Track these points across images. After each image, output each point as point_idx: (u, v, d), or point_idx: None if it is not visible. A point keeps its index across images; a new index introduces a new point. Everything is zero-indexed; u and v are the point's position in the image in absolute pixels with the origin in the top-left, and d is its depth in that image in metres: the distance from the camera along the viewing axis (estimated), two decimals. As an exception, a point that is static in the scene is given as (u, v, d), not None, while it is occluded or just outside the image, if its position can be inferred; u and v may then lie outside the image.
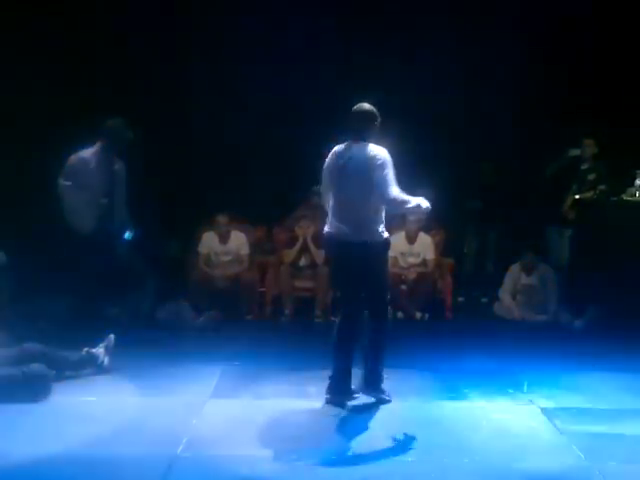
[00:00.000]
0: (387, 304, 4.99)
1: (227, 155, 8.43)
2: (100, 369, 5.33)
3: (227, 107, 8.31)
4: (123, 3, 8.11)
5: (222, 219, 7.70)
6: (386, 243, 4.79)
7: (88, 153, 5.92)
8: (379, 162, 4.61)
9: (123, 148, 6.04)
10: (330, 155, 4.83)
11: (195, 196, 8.52)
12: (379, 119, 4.77)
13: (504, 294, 7.73)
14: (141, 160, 7.47)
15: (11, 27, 7.81)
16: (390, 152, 4.67)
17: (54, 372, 4.96)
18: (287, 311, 7.64)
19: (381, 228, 4.72)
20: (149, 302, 7.48)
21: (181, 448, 3.98)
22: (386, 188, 4.57)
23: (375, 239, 4.69)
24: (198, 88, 8.45)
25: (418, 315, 7.61)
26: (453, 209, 8.49)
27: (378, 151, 4.66)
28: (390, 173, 4.60)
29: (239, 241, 7.80)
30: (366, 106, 4.77)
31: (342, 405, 4.65)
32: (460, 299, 8.17)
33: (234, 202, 8.11)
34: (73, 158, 5.93)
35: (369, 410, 4.53)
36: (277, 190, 8.35)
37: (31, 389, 4.68)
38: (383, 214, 4.72)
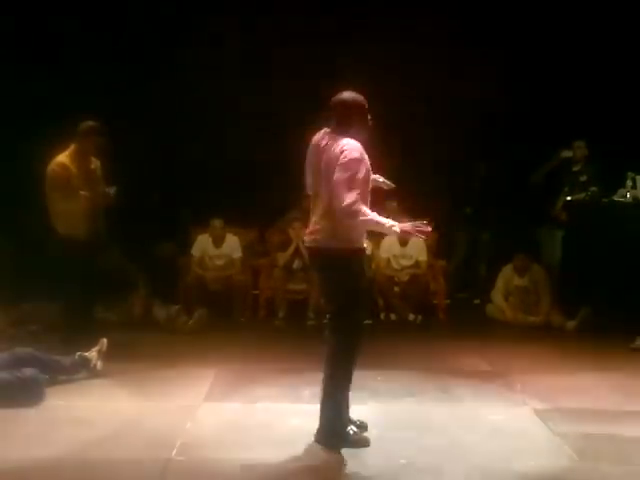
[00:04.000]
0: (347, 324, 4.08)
1: (220, 157, 8.44)
2: (93, 373, 5.31)
3: (221, 110, 8.32)
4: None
5: (217, 223, 7.74)
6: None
7: (66, 158, 5.88)
8: (342, 161, 3.90)
9: (98, 154, 6.03)
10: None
11: (188, 198, 8.55)
12: (364, 110, 4.09)
13: (496, 295, 7.75)
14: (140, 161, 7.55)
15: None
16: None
17: (47, 376, 4.94)
18: (280, 314, 7.64)
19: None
20: (142, 304, 7.49)
21: (175, 451, 3.97)
22: (338, 194, 3.86)
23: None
24: (194, 92, 8.46)
25: (411, 317, 7.62)
26: (445, 212, 8.52)
27: (349, 147, 3.94)
28: (349, 176, 3.85)
29: (232, 245, 7.84)
30: (347, 94, 4.09)
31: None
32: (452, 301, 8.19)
33: (227, 204, 8.13)
34: (53, 166, 5.87)
35: (362, 412, 4.52)
36: (269, 193, 8.36)
37: (24, 394, 4.66)
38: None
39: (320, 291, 4.24)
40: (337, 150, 3.95)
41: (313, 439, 4.09)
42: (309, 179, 4.22)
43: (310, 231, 4.14)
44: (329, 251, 4.01)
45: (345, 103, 4.07)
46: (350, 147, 3.93)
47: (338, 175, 3.87)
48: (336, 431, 4.07)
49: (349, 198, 3.81)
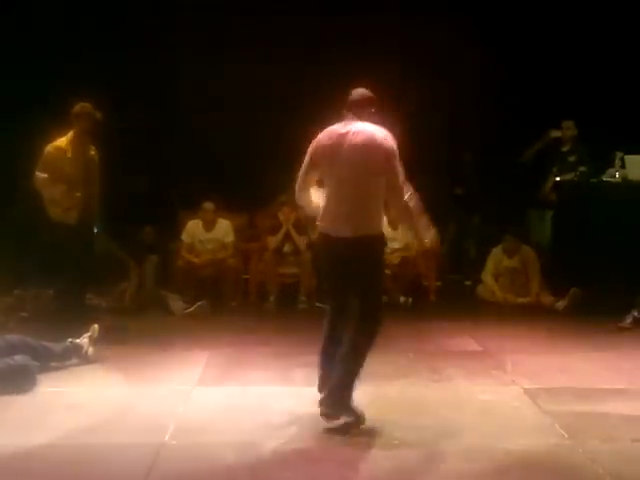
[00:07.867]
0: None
1: (209, 141, 8.41)
2: (85, 359, 5.32)
3: (208, 93, 8.29)
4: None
5: (209, 206, 7.72)
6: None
7: (63, 142, 5.89)
8: (393, 154, 4.05)
9: (95, 131, 6.03)
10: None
11: (176, 183, 8.53)
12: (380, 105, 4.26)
13: (487, 277, 7.79)
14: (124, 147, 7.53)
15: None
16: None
17: (38, 363, 4.94)
18: (271, 297, 7.65)
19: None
20: (132, 290, 7.49)
21: (168, 436, 3.98)
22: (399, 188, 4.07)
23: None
24: (180, 75, 8.43)
25: (402, 299, 7.65)
26: (436, 194, 8.52)
27: (390, 139, 4.08)
28: (401, 170, 4.07)
29: (224, 228, 7.82)
30: (366, 91, 4.24)
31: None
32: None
33: (216, 189, 8.11)
34: (49, 148, 5.88)
35: (355, 394, 4.55)
36: (259, 177, 8.35)
37: (16, 381, 4.65)
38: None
39: (342, 280, 4.23)
40: (378, 141, 4.02)
41: (319, 412, 4.06)
42: (323, 169, 4.16)
43: (341, 220, 4.06)
44: (365, 238, 4.05)
45: (370, 99, 4.20)
46: (391, 139, 4.07)
47: (395, 169, 4.03)
48: (345, 403, 4.08)
49: (407, 194, 4.06)
